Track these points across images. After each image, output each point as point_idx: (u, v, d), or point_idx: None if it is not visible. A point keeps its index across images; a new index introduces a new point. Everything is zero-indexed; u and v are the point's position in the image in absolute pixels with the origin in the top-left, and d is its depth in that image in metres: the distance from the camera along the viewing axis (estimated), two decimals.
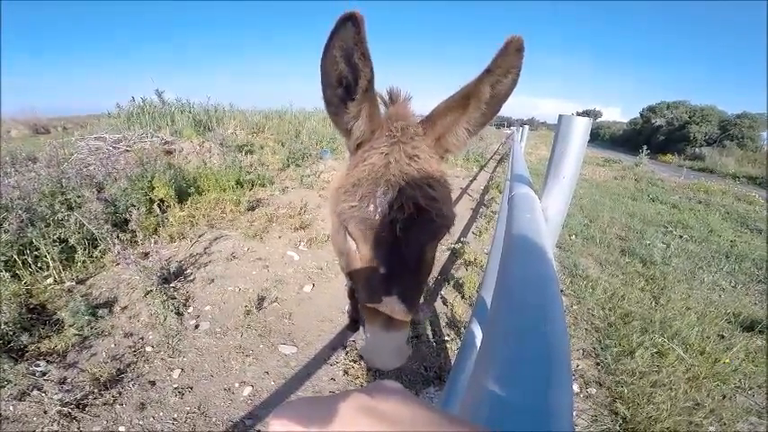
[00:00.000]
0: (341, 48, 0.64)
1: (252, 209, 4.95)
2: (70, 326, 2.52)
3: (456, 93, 0.80)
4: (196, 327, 2.74)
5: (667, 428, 2.14)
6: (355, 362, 2.50)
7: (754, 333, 3.17)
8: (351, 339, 2.72)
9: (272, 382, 2.32)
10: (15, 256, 2.99)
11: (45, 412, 1.97)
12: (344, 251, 0.82)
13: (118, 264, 3.22)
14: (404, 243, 0.72)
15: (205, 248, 3.82)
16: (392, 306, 0.71)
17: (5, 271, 2.87)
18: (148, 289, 2.93)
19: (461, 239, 4.61)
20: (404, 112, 0.88)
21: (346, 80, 0.71)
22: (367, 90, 0.72)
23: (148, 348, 2.50)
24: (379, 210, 0.71)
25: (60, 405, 1.98)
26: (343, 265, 2.09)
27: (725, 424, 2.25)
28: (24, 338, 2.38)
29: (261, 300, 3.06)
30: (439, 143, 0.85)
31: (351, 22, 0.60)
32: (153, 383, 2.24)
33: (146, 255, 3.45)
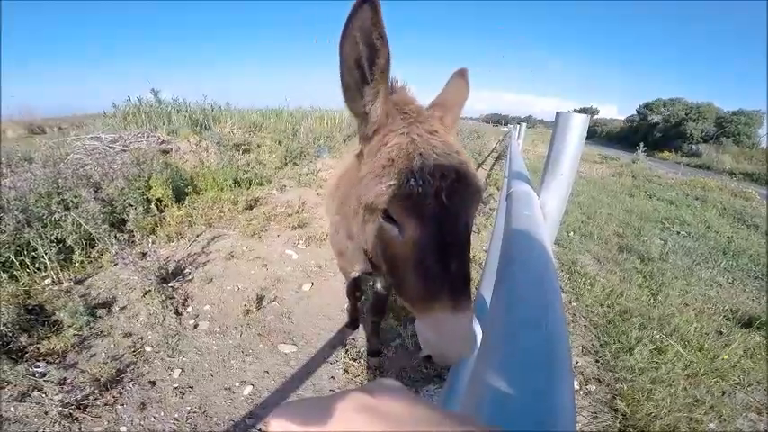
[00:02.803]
0: (359, 28, 0.66)
1: (250, 208, 4.94)
2: (69, 326, 2.51)
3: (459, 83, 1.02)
4: (195, 326, 2.73)
5: (667, 425, 2.14)
6: (355, 360, 2.51)
7: (752, 329, 3.17)
8: (350, 338, 2.72)
9: (273, 381, 2.32)
10: (13, 257, 2.98)
11: (46, 413, 1.96)
12: (374, 242, 0.79)
13: (116, 264, 3.21)
14: (452, 213, 0.70)
15: (203, 248, 3.81)
16: (455, 283, 0.67)
17: (3, 272, 2.86)
18: (147, 289, 2.92)
19: None
20: (408, 98, 0.93)
21: (364, 62, 0.72)
22: (384, 71, 0.74)
23: (148, 348, 2.50)
24: (421, 181, 0.69)
25: (61, 406, 1.97)
26: (343, 265, 2.07)
27: (724, 420, 2.25)
28: (23, 339, 2.37)
29: (260, 299, 3.06)
30: (453, 125, 0.96)
31: (368, 3, 0.63)
32: (153, 383, 2.24)
33: (144, 255, 3.44)
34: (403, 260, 0.72)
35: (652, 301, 3.54)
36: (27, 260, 3.03)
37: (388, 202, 0.70)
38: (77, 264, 3.27)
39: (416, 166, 0.70)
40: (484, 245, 4.57)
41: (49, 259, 3.07)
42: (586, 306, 3.36)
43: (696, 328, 3.04)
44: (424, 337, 0.71)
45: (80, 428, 1.92)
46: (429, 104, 0.99)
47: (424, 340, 0.71)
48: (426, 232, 0.68)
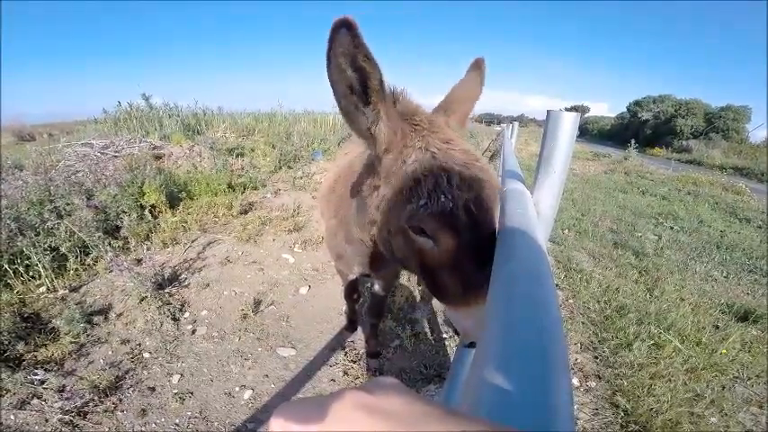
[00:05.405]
0: (342, 54, 0.65)
1: (245, 212, 4.92)
2: (66, 334, 2.49)
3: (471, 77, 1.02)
4: (193, 332, 2.72)
5: (669, 420, 2.13)
6: (355, 362, 2.51)
7: (748, 323, 3.19)
8: (349, 340, 2.72)
9: (272, 385, 2.32)
10: (6, 266, 2.95)
11: (47, 420, 1.96)
12: (404, 252, 0.82)
13: (111, 271, 3.19)
14: (481, 220, 0.74)
15: (199, 253, 3.80)
16: (488, 280, 0.71)
17: None
18: (143, 295, 2.91)
19: None
20: (412, 105, 0.90)
21: (356, 86, 0.72)
22: (379, 90, 0.73)
23: (146, 354, 2.48)
24: (451, 196, 0.71)
25: (61, 413, 1.96)
26: (341, 267, 2.06)
27: (726, 414, 2.25)
28: (20, 347, 2.35)
29: (257, 303, 3.05)
30: (462, 125, 0.97)
31: (344, 27, 0.62)
32: (153, 389, 2.23)
33: (139, 261, 3.43)
34: (438, 267, 0.76)
35: (648, 296, 3.56)
36: (21, 269, 3.00)
37: (423, 220, 0.73)
38: (72, 271, 3.25)
39: (444, 183, 0.72)
40: None
41: (43, 267, 3.04)
42: (583, 303, 3.38)
43: (693, 322, 3.05)
44: (463, 326, 0.78)
45: None
46: (435, 107, 0.98)
47: (463, 330, 0.79)
48: (460, 242, 0.72)
